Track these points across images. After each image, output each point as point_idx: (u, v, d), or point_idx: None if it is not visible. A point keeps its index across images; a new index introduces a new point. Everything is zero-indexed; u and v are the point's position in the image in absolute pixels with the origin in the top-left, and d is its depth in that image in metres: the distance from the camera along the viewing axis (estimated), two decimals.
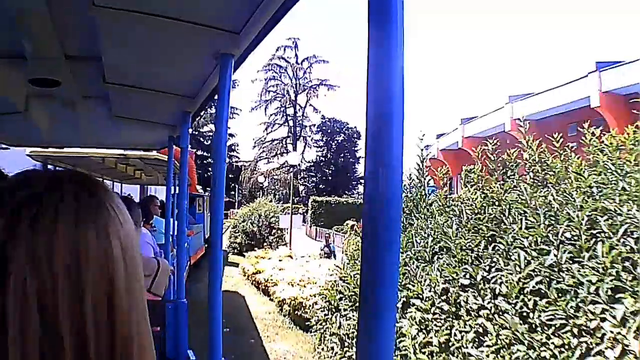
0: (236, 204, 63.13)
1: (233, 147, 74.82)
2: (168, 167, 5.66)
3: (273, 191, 67.27)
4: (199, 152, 58.80)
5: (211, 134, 63.14)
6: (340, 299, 7.60)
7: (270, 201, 32.14)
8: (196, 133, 64.54)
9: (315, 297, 10.96)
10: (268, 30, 2.41)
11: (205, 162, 57.88)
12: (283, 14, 2.22)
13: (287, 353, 9.64)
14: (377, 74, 1.11)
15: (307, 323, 10.56)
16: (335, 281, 8.18)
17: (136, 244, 0.79)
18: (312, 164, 73.52)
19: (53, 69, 3.18)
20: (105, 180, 11.54)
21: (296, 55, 75.12)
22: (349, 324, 6.92)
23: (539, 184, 5.30)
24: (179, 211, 5.34)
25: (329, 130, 72.94)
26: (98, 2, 2.32)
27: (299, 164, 72.35)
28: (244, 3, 2.25)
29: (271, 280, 14.66)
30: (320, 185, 70.02)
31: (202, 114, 5.07)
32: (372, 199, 1.09)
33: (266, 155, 77.49)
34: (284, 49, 75.01)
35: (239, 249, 26.53)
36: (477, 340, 4.49)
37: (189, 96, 3.85)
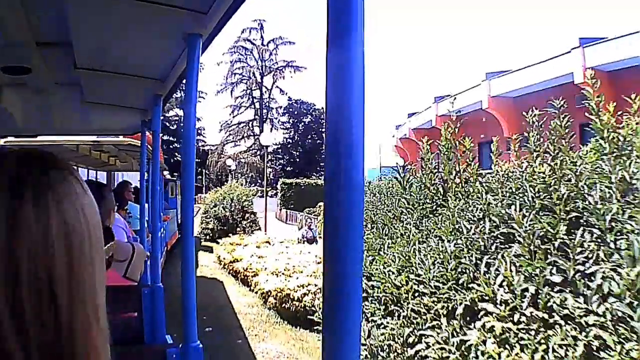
0: (204, 188, 62.88)
1: (199, 131, 74.36)
2: (141, 152, 5.66)
3: (241, 175, 66.93)
4: (165, 137, 58.21)
5: (177, 118, 62.60)
6: (365, 299, 5.93)
7: (242, 184, 30.89)
8: (162, 118, 63.74)
9: (303, 287, 10.51)
10: (235, 8, 2.43)
11: (171, 147, 57.39)
12: None
13: (280, 355, 8.77)
14: (337, 75, 1.08)
15: (299, 317, 9.95)
16: None
17: (92, 229, 0.72)
18: (279, 146, 73.55)
19: (24, 56, 3.17)
20: (79, 168, 11.43)
21: (262, 37, 74.92)
22: (382, 334, 5.33)
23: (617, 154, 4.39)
24: (152, 196, 5.36)
25: (296, 112, 73.23)
26: None
27: (267, 146, 72.15)
28: None
29: (250, 269, 13.92)
30: (288, 168, 70.12)
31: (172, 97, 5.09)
32: (333, 200, 1.07)
33: (233, 138, 77.49)
34: (250, 31, 74.82)
35: (211, 235, 25.60)
36: (587, 356, 3.52)
37: (159, 79, 3.86)
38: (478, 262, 4.60)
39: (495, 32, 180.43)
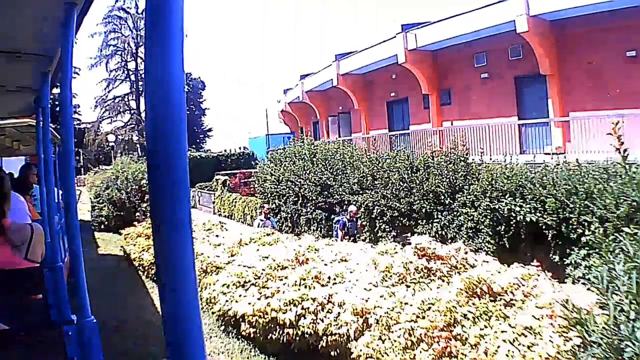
0: (82, 169, 60.58)
1: (75, 109, 71.13)
2: (36, 132, 5.60)
3: (121, 152, 64.37)
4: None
5: (53, 97, 59.54)
6: None
7: (137, 162, 26.22)
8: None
9: (295, 305, 7.09)
10: None
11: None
12: None
13: None
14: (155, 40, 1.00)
15: (296, 351, 6.91)
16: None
17: None
18: None
19: None
20: None
21: (136, 5, 71.97)
22: None
23: None
24: (46, 176, 5.35)
25: None
26: None
27: (142, 119, 69.64)
28: None
29: None
30: None
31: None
32: (158, 185, 1.02)
33: (109, 114, 74.60)
34: None
35: (106, 222, 21.72)
36: None
37: (43, 55, 3.87)
38: None
39: None
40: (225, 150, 48.84)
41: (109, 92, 74.57)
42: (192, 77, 70.99)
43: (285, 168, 20.84)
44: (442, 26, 22.55)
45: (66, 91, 2.97)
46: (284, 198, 20.42)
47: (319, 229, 18.33)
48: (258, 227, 14.56)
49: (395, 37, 25.07)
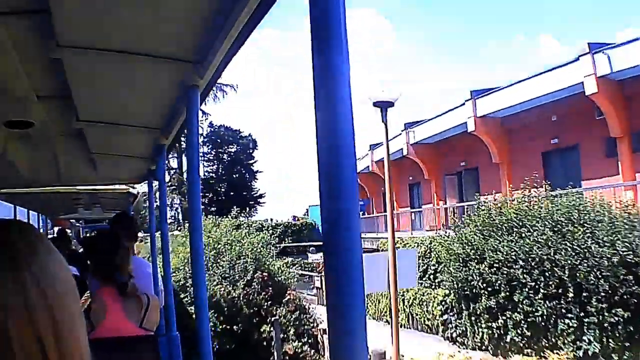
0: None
1: None
2: (149, 202, 5.87)
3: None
4: None
5: None
6: None
7: (247, 230, 17.12)
8: None
9: None
10: (230, 57, 2.61)
11: None
12: (242, 42, 2.38)
13: None
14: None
15: None
16: None
17: (65, 289, 0.76)
18: (201, 181, 65.21)
19: (26, 110, 3.42)
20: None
21: None
22: None
23: None
24: (164, 246, 5.52)
25: (220, 140, 63.28)
26: (62, 43, 2.50)
27: (183, 180, 64.06)
28: (204, 34, 2.43)
29: None
30: (211, 207, 57.15)
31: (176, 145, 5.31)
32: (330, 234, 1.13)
33: None
34: None
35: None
36: None
37: (161, 129, 4.08)
38: None
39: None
40: (277, 219, 45.00)
41: None
42: (242, 135, 64.21)
43: (533, 241, 13.02)
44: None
45: (193, 165, 3.32)
46: (525, 288, 12.90)
47: (604, 339, 11.17)
48: None
49: (577, 59, 18.61)
